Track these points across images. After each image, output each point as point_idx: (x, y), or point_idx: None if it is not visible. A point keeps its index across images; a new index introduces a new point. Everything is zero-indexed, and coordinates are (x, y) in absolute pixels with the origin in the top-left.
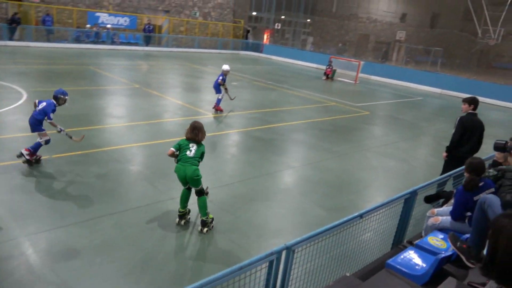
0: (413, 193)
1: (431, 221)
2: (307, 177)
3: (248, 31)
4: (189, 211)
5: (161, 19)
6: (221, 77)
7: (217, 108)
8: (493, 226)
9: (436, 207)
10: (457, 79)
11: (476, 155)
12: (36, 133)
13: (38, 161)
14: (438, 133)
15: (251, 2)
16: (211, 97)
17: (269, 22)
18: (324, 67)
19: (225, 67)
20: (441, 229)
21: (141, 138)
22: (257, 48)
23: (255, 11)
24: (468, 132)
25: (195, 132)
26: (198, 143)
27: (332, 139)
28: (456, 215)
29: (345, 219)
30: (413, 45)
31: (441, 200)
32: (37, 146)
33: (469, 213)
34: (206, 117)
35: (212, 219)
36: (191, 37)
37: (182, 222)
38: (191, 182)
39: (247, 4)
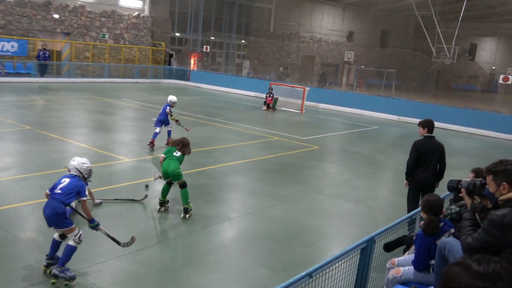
0: (370, 241)
1: (391, 273)
2: (248, 229)
3: (171, 56)
4: (168, 201)
5: (60, 43)
6: (168, 107)
7: (152, 143)
8: (443, 277)
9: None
10: (414, 104)
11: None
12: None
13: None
14: (398, 166)
15: (173, 21)
16: (127, 137)
17: (196, 44)
18: (263, 96)
19: (172, 97)
20: (404, 283)
21: (34, 195)
22: (183, 75)
23: (178, 32)
24: (423, 156)
25: (183, 149)
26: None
27: (276, 181)
28: (418, 264)
29: (291, 280)
30: (363, 67)
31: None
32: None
33: (433, 261)
34: (121, 162)
35: (192, 208)
36: (99, 64)
37: (162, 209)
38: (172, 176)
39: (168, 24)
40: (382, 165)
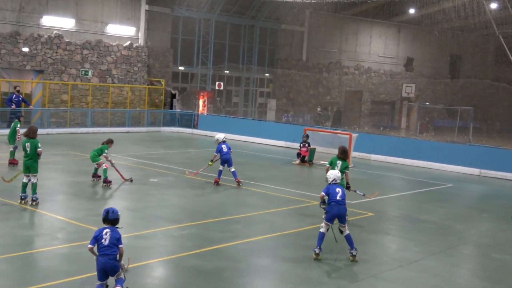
0: None
1: None
2: None
3: (173, 96)
4: None
5: (31, 84)
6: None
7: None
8: None
9: None
10: (502, 153)
11: None
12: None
13: None
14: (483, 238)
15: (175, 51)
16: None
17: (205, 80)
18: (296, 145)
19: (220, 136)
20: None
21: None
22: (189, 121)
23: (182, 66)
24: None
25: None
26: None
27: (318, 262)
28: None
29: None
30: (428, 104)
31: None
32: None
33: None
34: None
35: None
36: (80, 110)
37: None
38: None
39: (169, 55)
40: (461, 238)
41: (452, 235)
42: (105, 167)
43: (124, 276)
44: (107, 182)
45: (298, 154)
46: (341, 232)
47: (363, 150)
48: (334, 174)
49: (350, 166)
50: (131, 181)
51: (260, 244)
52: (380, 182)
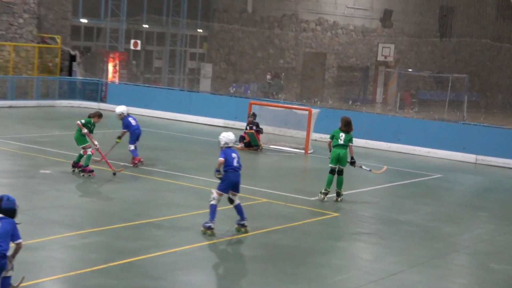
0: None
1: None
2: None
3: (73, 58)
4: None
5: None
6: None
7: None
8: None
9: None
10: (505, 134)
11: None
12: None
13: None
14: (479, 244)
15: None
16: None
17: (117, 38)
18: (241, 125)
19: (122, 108)
20: None
21: None
22: (94, 92)
23: (85, 17)
24: None
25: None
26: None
27: (264, 279)
28: None
29: None
30: (411, 71)
31: None
32: None
33: None
34: None
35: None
36: None
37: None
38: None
39: (67, 2)
40: (451, 244)
41: (439, 241)
42: (90, 153)
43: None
44: (86, 171)
45: (242, 138)
46: (232, 201)
47: (327, 131)
48: (226, 137)
49: (309, 151)
50: (114, 174)
51: (188, 255)
52: (348, 173)
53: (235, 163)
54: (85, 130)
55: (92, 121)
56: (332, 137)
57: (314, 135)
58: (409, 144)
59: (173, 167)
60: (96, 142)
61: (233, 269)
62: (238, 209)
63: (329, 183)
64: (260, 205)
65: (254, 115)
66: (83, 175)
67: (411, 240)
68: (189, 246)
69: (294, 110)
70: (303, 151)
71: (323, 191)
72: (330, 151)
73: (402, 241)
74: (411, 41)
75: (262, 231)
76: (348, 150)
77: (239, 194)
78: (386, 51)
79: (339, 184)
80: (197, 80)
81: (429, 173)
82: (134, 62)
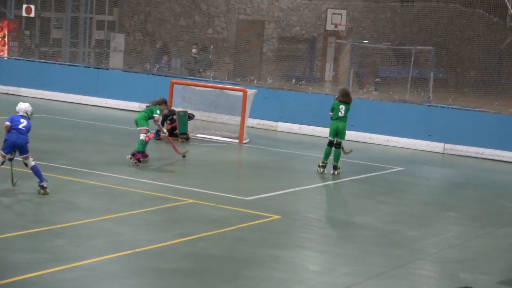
0: None
1: None
2: None
3: None
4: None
5: None
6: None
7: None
8: None
9: None
10: (476, 117)
11: None
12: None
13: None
14: (447, 251)
15: None
16: None
17: (5, 1)
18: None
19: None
20: None
21: None
22: None
23: None
24: None
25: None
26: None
27: None
28: None
29: None
30: (367, 42)
31: None
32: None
33: None
34: None
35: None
36: None
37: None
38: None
39: None
40: (415, 250)
41: (401, 247)
42: (143, 139)
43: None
44: (140, 157)
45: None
46: (26, 165)
47: (265, 116)
48: (19, 107)
49: (245, 141)
50: (184, 156)
51: (95, 270)
52: (291, 166)
53: (20, 126)
54: (155, 120)
55: (159, 108)
56: (332, 110)
57: (251, 121)
58: (364, 131)
59: (77, 162)
60: (165, 130)
61: (150, 286)
62: (35, 170)
63: (327, 156)
64: (185, 207)
65: (167, 109)
66: (135, 162)
67: (367, 247)
68: (96, 259)
69: (226, 91)
70: (237, 141)
71: (320, 164)
72: None
73: (356, 248)
74: (366, 7)
75: (187, 239)
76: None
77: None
78: (337, 19)
79: (336, 158)
80: (106, 54)
81: (388, 165)
82: (27, 32)
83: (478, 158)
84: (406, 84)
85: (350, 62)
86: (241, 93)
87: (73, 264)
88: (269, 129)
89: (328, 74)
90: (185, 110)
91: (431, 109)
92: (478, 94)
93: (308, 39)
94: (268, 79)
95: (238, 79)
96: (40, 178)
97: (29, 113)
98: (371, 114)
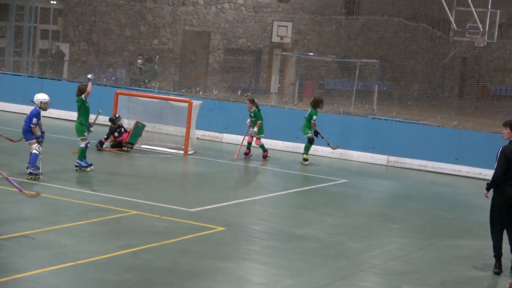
0: None
1: None
2: None
3: None
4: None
5: None
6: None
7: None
8: None
9: None
10: (419, 130)
11: None
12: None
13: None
14: (390, 263)
15: None
16: None
17: None
18: (105, 119)
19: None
20: None
21: None
22: None
23: None
24: None
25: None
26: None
27: None
28: None
29: None
30: (313, 55)
31: None
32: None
33: None
34: None
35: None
36: None
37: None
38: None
39: None
40: (358, 262)
41: (345, 259)
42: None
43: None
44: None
45: (105, 138)
46: None
47: (211, 127)
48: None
49: (190, 152)
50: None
51: (40, 282)
52: (236, 179)
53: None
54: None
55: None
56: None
57: (196, 132)
58: (303, 142)
59: (19, 172)
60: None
61: None
62: (31, 156)
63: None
64: (128, 219)
65: (113, 120)
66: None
67: (311, 259)
68: (39, 271)
69: (171, 102)
70: (182, 152)
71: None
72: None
73: (300, 260)
74: (312, 19)
75: (130, 251)
76: (306, 123)
77: None
78: (283, 31)
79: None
80: (51, 64)
81: (333, 177)
82: None
83: (421, 170)
84: (350, 96)
85: (296, 74)
86: (186, 104)
87: (16, 276)
88: (215, 141)
89: (274, 86)
90: (144, 124)
91: (375, 121)
92: (421, 107)
93: (254, 51)
94: (214, 91)
95: (184, 90)
96: (31, 164)
97: (37, 103)
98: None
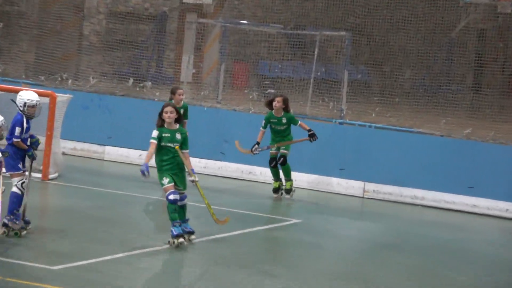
0: None
1: None
2: None
3: None
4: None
5: None
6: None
7: None
8: None
9: None
10: (417, 141)
11: None
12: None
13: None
14: None
15: None
16: None
17: None
18: None
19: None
20: None
21: None
22: None
23: None
24: None
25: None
26: None
27: None
28: None
29: None
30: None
31: None
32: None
33: None
34: None
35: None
36: None
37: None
38: None
39: None
40: None
41: None
42: None
43: None
44: None
45: None
46: None
47: (86, 136)
48: None
49: (52, 175)
50: None
51: None
52: (121, 218)
53: None
54: None
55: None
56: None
57: (63, 144)
58: (242, 162)
59: None
60: None
61: None
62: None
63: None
64: None
65: None
66: None
67: None
68: None
69: (13, 102)
70: (40, 176)
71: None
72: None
73: None
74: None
75: None
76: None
77: None
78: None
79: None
80: None
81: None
82: None
83: (415, 205)
84: (306, 89)
85: (221, 53)
86: (47, 100)
87: None
88: (92, 157)
89: (186, 71)
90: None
91: (345, 128)
92: (416, 107)
93: (154, 17)
94: (91, 78)
95: (43, 78)
96: (8, 210)
97: (20, 104)
98: (250, 137)
